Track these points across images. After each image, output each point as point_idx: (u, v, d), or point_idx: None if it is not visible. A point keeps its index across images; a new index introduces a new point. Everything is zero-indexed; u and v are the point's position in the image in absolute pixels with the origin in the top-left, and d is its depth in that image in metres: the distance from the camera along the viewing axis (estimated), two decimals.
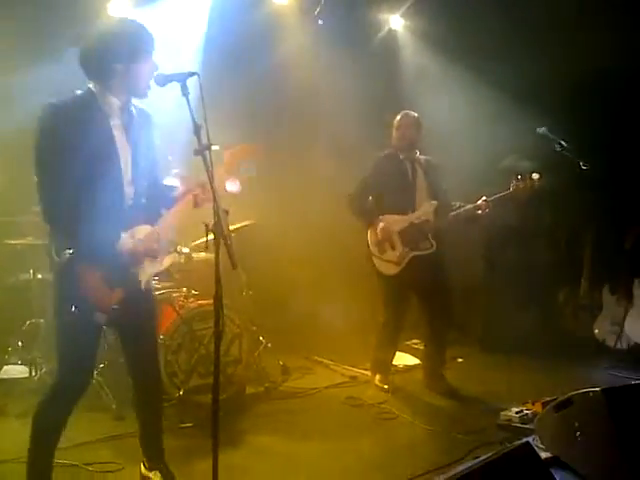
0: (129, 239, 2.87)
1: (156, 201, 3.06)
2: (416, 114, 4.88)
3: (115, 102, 2.88)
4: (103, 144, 2.82)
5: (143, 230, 2.95)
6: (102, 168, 2.80)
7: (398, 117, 4.89)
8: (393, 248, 4.73)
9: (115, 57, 2.81)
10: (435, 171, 4.89)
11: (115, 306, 2.88)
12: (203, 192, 2.95)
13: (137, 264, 2.93)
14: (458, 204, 4.77)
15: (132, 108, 2.98)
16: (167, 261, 3.10)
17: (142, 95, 2.96)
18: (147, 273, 3.01)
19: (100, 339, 3.10)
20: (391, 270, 4.74)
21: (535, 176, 4.62)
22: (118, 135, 2.88)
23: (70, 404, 2.97)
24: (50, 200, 2.77)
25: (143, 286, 3.00)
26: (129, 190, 2.92)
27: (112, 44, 2.81)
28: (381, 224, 4.71)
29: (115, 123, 2.88)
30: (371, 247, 4.80)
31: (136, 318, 3.06)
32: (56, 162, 2.72)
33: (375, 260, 4.80)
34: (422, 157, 4.89)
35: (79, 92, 2.88)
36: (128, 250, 2.86)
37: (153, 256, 2.97)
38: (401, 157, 4.83)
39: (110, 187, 2.83)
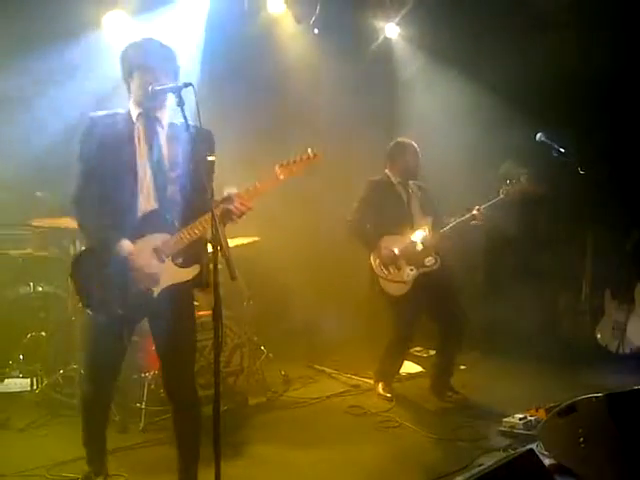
0: (126, 244, 2.91)
1: (195, 207, 2.99)
2: (414, 143, 4.87)
3: (135, 111, 3.03)
4: (122, 152, 2.96)
5: (157, 238, 2.98)
6: (120, 172, 2.95)
7: (399, 147, 4.87)
8: (398, 269, 4.72)
9: (123, 74, 3.07)
10: (426, 194, 4.93)
11: (119, 311, 2.92)
12: (236, 204, 2.96)
13: (135, 270, 2.93)
14: (452, 219, 4.76)
15: (163, 117, 3.04)
16: (191, 272, 3.05)
17: (148, 106, 3.01)
18: (163, 280, 2.99)
19: (117, 344, 3.07)
20: (400, 290, 4.72)
21: (523, 178, 4.62)
22: (140, 143, 2.99)
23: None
24: (74, 200, 3.01)
25: (157, 293, 2.98)
26: (151, 195, 2.97)
27: (122, 60, 3.07)
28: (383, 246, 4.70)
29: (139, 131, 3.00)
30: (376, 270, 4.76)
31: (156, 325, 3.11)
32: (83, 168, 3.00)
33: (382, 282, 4.76)
34: (412, 182, 4.91)
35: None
36: (124, 255, 2.91)
37: (150, 266, 2.95)
38: (394, 182, 4.86)
39: (125, 191, 2.95)
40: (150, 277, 2.96)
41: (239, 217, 2.97)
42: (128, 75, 3.04)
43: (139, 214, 2.97)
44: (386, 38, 6.68)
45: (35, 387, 4.54)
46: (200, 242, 3.04)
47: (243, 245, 5.02)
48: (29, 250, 4.79)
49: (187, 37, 5.72)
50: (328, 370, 5.55)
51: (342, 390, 5.08)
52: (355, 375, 5.36)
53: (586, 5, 5.45)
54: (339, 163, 6.15)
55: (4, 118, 4.79)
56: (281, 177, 3.05)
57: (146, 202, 2.97)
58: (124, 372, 4.21)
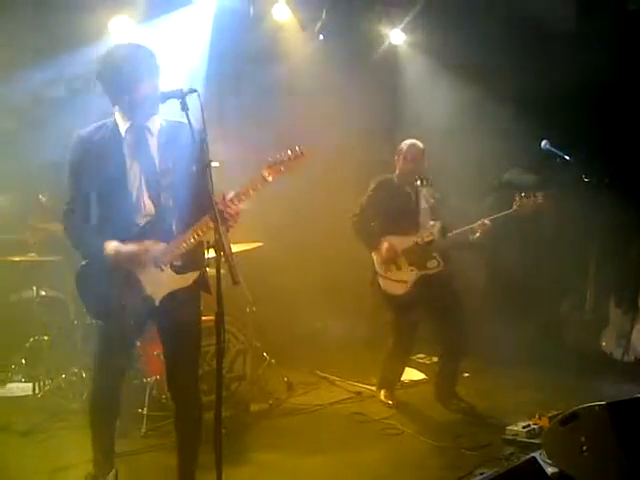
0: (112, 246, 2.92)
1: (192, 211, 3.00)
2: (422, 145, 4.83)
3: (124, 124, 3.01)
4: (111, 167, 2.96)
5: (150, 244, 2.97)
6: (112, 185, 2.96)
7: (406, 147, 4.81)
8: (399, 268, 4.70)
9: (115, 87, 2.99)
10: (434, 197, 4.88)
11: (125, 320, 2.96)
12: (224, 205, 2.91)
13: (135, 279, 2.97)
14: (454, 232, 4.71)
15: (153, 125, 3.03)
16: (190, 277, 3.06)
17: (145, 118, 3.02)
18: (163, 287, 3.01)
19: (124, 351, 3.13)
20: (399, 290, 4.69)
21: (539, 194, 4.54)
22: (128, 155, 2.99)
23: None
24: (65, 221, 3.08)
25: (157, 301, 3.02)
26: (146, 205, 2.98)
27: (111, 74, 2.97)
28: (386, 244, 4.68)
29: (128, 144, 3.00)
30: (377, 268, 4.75)
31: (162, 329, 3.17)
32: (74, 185, 3.04)
33: (382, 281, 4.74)
34: (425, 189, 4.84)
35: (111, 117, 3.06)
36: (110, 257, 2.92)
37: (139, 267, 2.97)
38: (404, 185, 4.81)
39: (119, 205, 2.96)
40: (146, 285, 2.99)
41: (230, 222, 2.93)
42: (123, 91, 2.96)
43: (135, 226, 2.99)
44: (391, 44, 6.70)
45: (37, 391, 4.54)
46: (199, 248, 3.03)
47: (246, 251, 5.02)
48: (32, 254, 4.80)
49: (193, 43, 5.75)
50: (331, 377, 5.54)
51: (345, 397, 5.06)
52: (358, 382, 5.34)
53: (589, 13, 5.45)
54: (345, 169, 6.17)
55: (8, 124, 4.81)
56: (269, 179, 2.99)
57: (141, 213, 2.99)
58: (125, 378, 4.23)
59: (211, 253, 2.72)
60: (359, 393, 5.15)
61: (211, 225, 2.85)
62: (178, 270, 3.03)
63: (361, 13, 6.42)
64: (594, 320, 5.84)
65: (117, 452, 3.79)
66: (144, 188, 2.99)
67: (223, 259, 2.61)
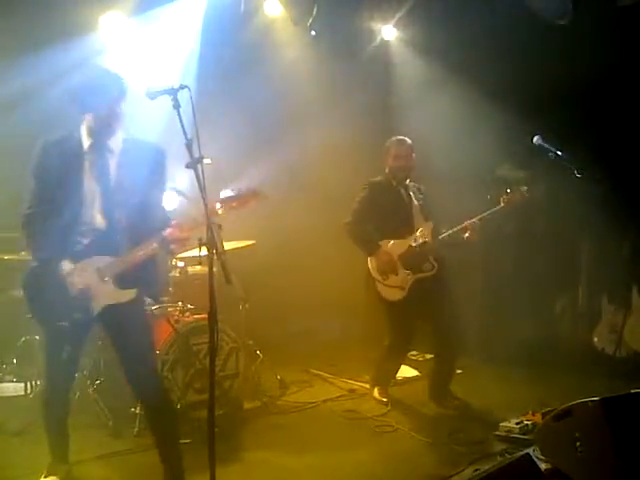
0: (65, 265, 3.11)
1: (141, 230, 3.17)
2: (409, 140, 4.81)
3: (87, 141, 3.18)
4: (71, 177, 3.13)
5: (100, 260, 3.14)
6: (69, 196, 3.12)
7: (395, 144, 4.78)
8: (395, 273, 4.68)
9: (79, 105, 3.19)
10: (425, 197, 4.88)
11: (64, 323, 3.10)
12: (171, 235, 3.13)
13: (77, 290, 3.11)
14: (444, 230, 4.70)
15: (115, 144, 3.20)
16: (130, 294, 3.20)
17: (105, 137, 3.19)
18: (104, 299, 3.15)
19: (67, 352, 3.23)
20: (396, 295, 4.68)
21: (523, 188, 4.59)
22: (88, 170, 3.15)
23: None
24: (22, 220, 3.23)
25: (96, 311, 3.16)
26: (97, 220, 3.15)
27: (78, 92, 3.19)
28: (382, 250, 4.66)
29: (89, 159, 3.17)
30: (373, 274, 4.72)
31: (109, 337, 3.38)
32: (33, 188, 3.20)
33: (379, 286, 4.72)
34: (412, 184, 4.86)
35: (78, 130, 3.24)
36: (66, 275, 3.10)
37: (88, 286, 3.12)
38: (394, 184, 4.80)
39: (71, 216, 3.13)
40: (87, 295, 3.12)
41: (173, 246, 3.18)
42: (86, 109, 3.16)
43: (85, 238, 3.15)
44: (383, 40, 6.69)
45: (29, 391, 4.51)
46: (145, 265, 3.19)
47: (239, 249, 5.00)
48: (23, 254, 4.76)
49: (184, 38, 5.73)
50: (324, 374, 5.53)
51: (338, 394, 5.06)
52: (351, 379, 5.34)
53: (580, 9, 5.45)
54: (336, 166, 6.15)
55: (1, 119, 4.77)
56: (219, 212, 3.12)
57: (93, 226, 3.15)
58: (117, 377, 4.20)
59: (204, 251, 2.71)
60: (352, 390, 5.15)
61: (155, 246, 3.12)
62: (120, 285, 3.17)
63: (353, 9, 6.40)
64: (587, 316, 5.85)
65: (111, 452, 3.83)
66: (98, 203, 3.15)
67: (216, 257, 2.60)
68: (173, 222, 3.16)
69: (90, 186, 3.14)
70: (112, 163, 3.19)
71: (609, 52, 5.43)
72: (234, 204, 3.13)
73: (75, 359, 3.35)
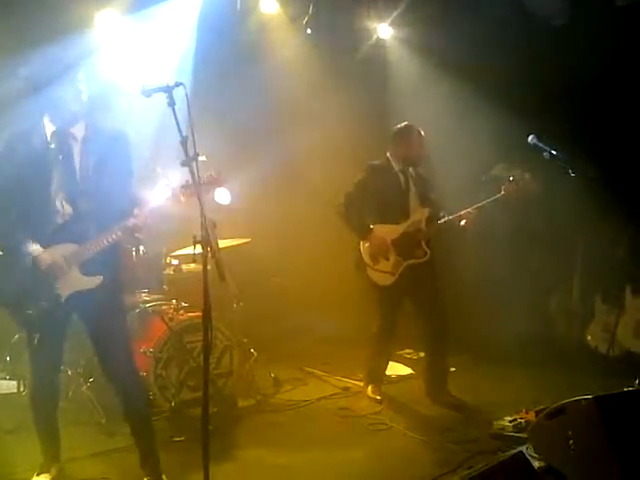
0: (35, 247, 3.13)
1: (106, 217, 3.19)
2: (420, 129, 4.80)
3: (49, 129, 3.20)
4: (37, 164, 3.14)
5: (65, 247, 3.15)
6: (34, 186, 3.14)
7: (404, 130, 4.77)
8: (387, 258, 4.67)
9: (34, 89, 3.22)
10: (425, 182, 4.87)
11: (29, 311, 3.13)
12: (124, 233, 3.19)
13: (42, 277, 3.12)
14: (442, 214, 4.73)
15: (77, 132, 3.21)
16: (95, 280, 3.21)
17: (66, 124, 3.19)
18: (70, 286, 3.18)
19: (46, 340, 3.24)
20: (387, 281, 4.68)
21: (527, 176, 4.58)
22: (53, 156, 3.16)
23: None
24: None
25: (64, 298, 3.18)
26: (63, 208, 3.16)
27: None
28: (375, 235, 4.66)
29: (53, 149, 3.17)
30: (365, 258, 4.71)
31: (83, 324, 3.36)
32: (1, 181, 3.20)
33: (369, 271, 4.71)
34: (412, 170, 4.85)
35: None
36: (33, 255, 3.12)
37: (56, 272, 3.13)
38: (395, 169, 4.78)
39: (37, 204, 3.16)
40: (53, 283, 3.15)
41: (137, 232, 3.21)
42: (40, 93, 3.18)
43: (51, 225, 3.16)
44: (379, 39, 6.69)
45: (22, 389, 4.50)
46: (111, 252, 3.23)
47: (234, 246, 5.00)
48: None
49: (179, 36, 5.72)
50: (318, 372, 5.53)
51: (332, 392, 5.06)
52: (345, 377, 5.34)
53: (581, 8, 5.46)
54: (331, 164, 6.16)
55: None
56: (182, 199, 3.15)
57: (60, 214, 3.17)
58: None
59: (198, 249, 2.71)
60: (346, 389, 5.15)
61: (119, 234, 3.15)
62: (86, 271, 3.19)
63: (349, 7, 6.39)
64: (580, 315, 5.86)
65: (104, 449, 3.82)
66: (63, 191, 3.16)
67: (210, 255, 2.60)
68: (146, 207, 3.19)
69: (56, 174, 3.16)
70: (75, 151, 3.21)
71: (605, 52, 5.44)
72: (195, 189, 3.03)
73: (53, 349, 3.32)
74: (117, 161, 3.25)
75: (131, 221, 3.16)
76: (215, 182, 3.25)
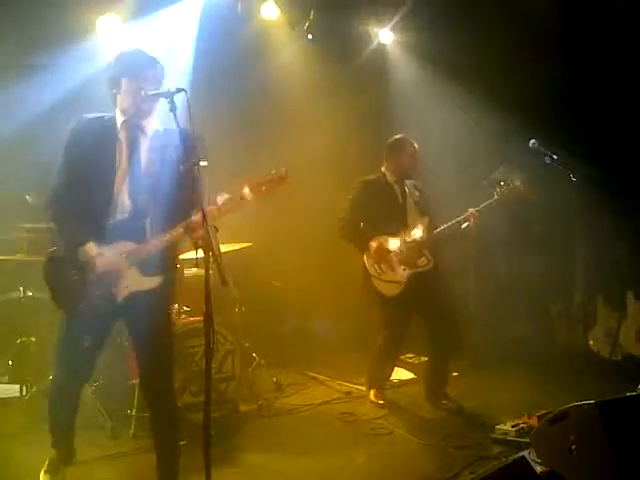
0: (91, 247, 2.99)
1: (167, 216, 3.06)
2: (414, 141, 4.84)
3: (120, 119, 3.08)
4: (102, 158, 3.02)
5: (126, 245, 3.03)
6: (97, 180, 3.02)
7: (396, 144, 4.82)
8: (392, 269, 4.68)
9: (110, 83, 3.10)
10: (422, 194, 4.89)
11: (85, 311, 3.00)
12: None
13: (97, 272, 3.00)
14: (442, 226, 4.72)
15: (148, 126, 3.10)
16: (155, 281, 3.10)
17: (135, 114, 3.06)
18: (130, 286, 3.06)
19: (87, 341, 3.12)
20: (393, 291, 4.68)
21: (517, 182, 4.61)
22: (120, 151, 3.05)
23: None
24: (49, 198, 3.12)
25: (120, 299, 3.05)
26: (124, 203, 3.03)
27: (108, 71, 3.12)
28: (375, 245, 4.67)
29: (121, 139, 3.06)
30: (369, 269, 4.72)
31: (130, 329, 3.24)
32: (65, 168, 3.08)
33: (375, 282, 4.72)
34: (408, 181, 4.88)
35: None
36: (88, 260, 2.99)
37: (113, 271, 3.02)
38: (391, 181, 4.82)
39: (100, 197, 3.02)
40: (110, 281, 3.02)
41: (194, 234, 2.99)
42: (116, 83, 3.08)
43: (111, 221, 3.03)
44: (380, 44, 6.69)
45: (24, 393, 4.49)
46: (169, 252, 3.11)
47: (236, 251, 5.00)
48: (19, 255, 4.76)
49: (180, 42, 5.72)
50: (320, 377, 5.53)
51: (334, 397, 5.06)
52: (347, 382, 5.34)
53: (578, 12, 5.47)
54: (332, 169, 6.16)
55: None
56: (249, 199, 3.07)
57: (120, 209, 3.04)
58: (115, 378, 4.19)
59: (200, 253, 2.71)
60: (349, 393, 5.15)
61: (182, 231, 2.99)
62: (145, 271, 3.07)
63: (349, 12, 6.40)
64: (582, 319, 5.86)
65: (109, 453, 3.82)
66: (126, 186, 3.04)
67: (212, 259, 2.60)
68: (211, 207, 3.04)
69: (121, 167, 3.04)
70: (144, 145, 3.09)
71: (606, 55, 5.45)
72: (264, 189, 3.06)
73: (93, 353, 3.19)
74: (189, 159, 2.96)
75: (193, 220, 2.98)
76: (284, 180, 3.13)
